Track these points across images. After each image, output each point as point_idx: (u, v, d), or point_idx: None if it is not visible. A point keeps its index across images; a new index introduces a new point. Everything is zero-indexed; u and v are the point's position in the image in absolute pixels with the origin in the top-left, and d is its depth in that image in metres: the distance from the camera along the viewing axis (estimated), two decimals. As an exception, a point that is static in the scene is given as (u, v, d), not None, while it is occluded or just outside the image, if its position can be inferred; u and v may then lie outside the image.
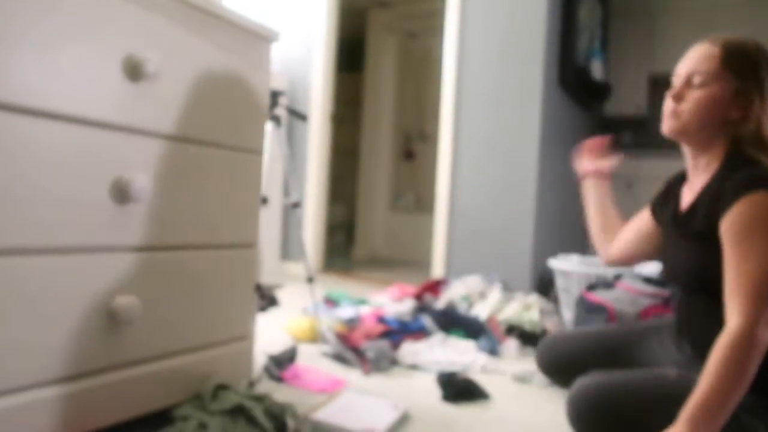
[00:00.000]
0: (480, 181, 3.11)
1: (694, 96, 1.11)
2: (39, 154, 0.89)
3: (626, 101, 4.43)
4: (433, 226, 3.30)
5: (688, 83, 1.13)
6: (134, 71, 1.01)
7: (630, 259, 1.45)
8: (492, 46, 3.09)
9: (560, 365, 1.50)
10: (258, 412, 1.10)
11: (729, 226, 1.02)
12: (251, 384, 1.45)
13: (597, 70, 3.74)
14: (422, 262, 4.21)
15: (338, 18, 3.83)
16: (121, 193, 1.00)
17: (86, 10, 0.94)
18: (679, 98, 1.13)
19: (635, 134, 4.67)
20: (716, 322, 1.02)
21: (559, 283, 2.45)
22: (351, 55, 5.30)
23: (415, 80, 5.20)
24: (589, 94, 3.76)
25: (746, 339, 0.94)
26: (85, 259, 0.97)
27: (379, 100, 5.04)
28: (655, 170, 3.77)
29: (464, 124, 3.17)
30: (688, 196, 1.24)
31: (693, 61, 1.13)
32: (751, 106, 1.08)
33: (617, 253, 1.45)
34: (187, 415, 1.08)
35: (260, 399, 1.16)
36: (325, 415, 1.28)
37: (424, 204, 5.03)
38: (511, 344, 2.05)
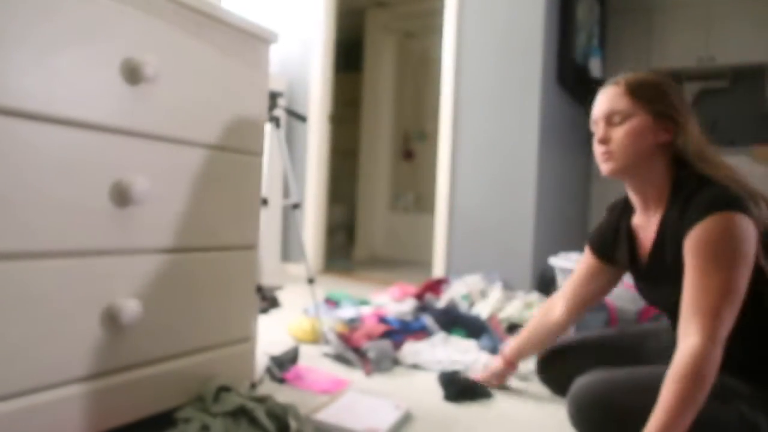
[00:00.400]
0: (480, 180, 3.11)
1: (618, 133, 1.14)
2: (38, 158, 0.89)
3: (625, 99, 4.42)
4: (433, 226, 3.30)
5: (609, 124, 1.17)
6: (133, 74, 1.01)
7: (582, 311, 1.47)
8: (490, 45, 3.09)
9: (561, 379, 1.48)
10: (260, 414, 1.10)
11: (691, 245, 1.04)
12: (253, 385, 1.45)
13: (595, 67, 3.74)
14: (423, 262, 4.21)
15: (336, 18, 3.83)
16: (122, 196, 1.00)
17: (84, 14, 0.94)
18: (606, 140, 1.17)
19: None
20: None
21: (560, 281, 2.45)
22: (350, 56, 5.31)
23: (414, 80, 5.20)
24: (588, 91, 3.75)
25: (706, 358, 0.96)
26: (86, 263, 0.97)
27: (378, 100, 5.04)
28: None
29: (463, 123, 3.17)
30: (647, 233, 1.23)
31: (606, 103, 1.18)
32: (674, 126, 1.13)
33: (571, 315, 1.45)
34: (190, 417, 1.09)
35: (262, 400, 1.16)
36: (326, 415, 1.29)
37: (424, 203, 5.03)
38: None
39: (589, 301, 1.45)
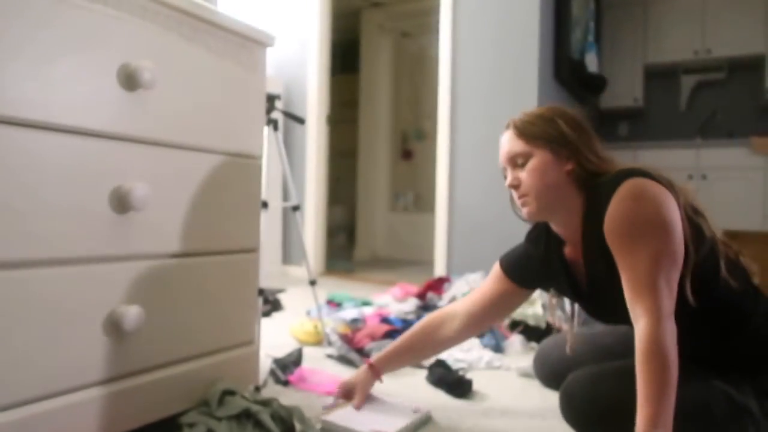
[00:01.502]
0: (479, 178, 3.11)
1: (526, 173, 1.14)
2: (38, 166, 0.89)
3: (622, 93, 4.44)
4: (433, 225, 3.30)
5: (514, 167, 1.17)
6: (130, 80, 1.01)
7: (484, 328, 1.45)
8: (486, 42, 3.09)
9: (555, 375, 1.49)
10: (265, 417, 1.10)
11: (608, 234, 1.02)
12: (257, 388, 1.45)
13: (592, 63, 3.74)
14: (424, 262, 4.21)
15: (332, 20, 3.83)
16: (121, 203, 1.00)
17: (80, 22, 0.94)
18: (517, 185, 1.16)
19: (631, 126, 4.68)
20: (687, 328, 1.02)
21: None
22: (346, 57, 5.31)
23: (411, 79, 5.20)
24: (585, 87, 3.76)
25: (658, 333, 0.94)
26: (87, 270, 0.97)
27: (376, 100, 5.04)
28: (652, 161, 3.77)
29: (461, 121, 3.17)
30: (578, 255, 1.20)
31: (506, 149, 1.18)
32: (570, 152, 1.12)
33: (469, 333, 1.40)
34: (194, 421, 1.09)
35: (267, 403, 1.16)
36: (335, 417, 1.28)
37: (423, 203, 5.03)
38: (516, 340, 2.05)
39: (494, 321, 1.44)
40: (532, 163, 1.13)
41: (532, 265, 1.33)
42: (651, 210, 0.98)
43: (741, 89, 4.24)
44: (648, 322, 0.95)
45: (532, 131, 1.14)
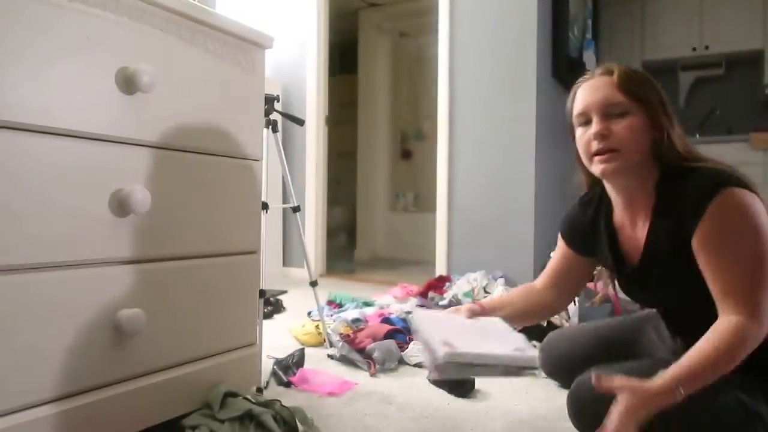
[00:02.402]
0: (478, 177, 3.11)
1: (621, 126, 1.06)
2: (38, 170, 0.89)
3: (621, 90, 4.43)
4: (433, 225, 3.30)
5: (604, 118, 1.08)
6: (128, 84, 1.01)
7: (569, 300, 1.43)
8: (484, 41, 3.09)
9: (560, 367, 1.49)
10: (267, 418, 1.10)
11: (707, 235, 0.99)
12: (260, 390, 1.45)
13: (590, 60, 3.75)
14: (424, 261, 4.21)
15: (330, 20, 3.83)
16: (121, 206, 1.00)
17: (78, 26, 0.94)
18: (606, 135, 1.06)
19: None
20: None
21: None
22: (344, 58, 5.31)
23: (409, 79, 5.20)
24: (584, 85, 3.76)
25: (746, 331, 0.94)
26: (88, 273, 0.97)
27: (374, 100, 5.04)
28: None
29: (460, 120, 3.17)
30: (634, 233, 1.17)
31: (602, 95, 1.08)
32: (665, 125, 1.07)
33: (559, 303, 1.38)
34: (197, 424, 1.09)
35: (269, 405, 1.16)
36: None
37: (423, 203, 5.03)
38: (518, 338, 2.05)
39: (572, 292, 1.40)
40: (630, 120, 1.05)
41: (583, 228, 1.29)
42: (752, 221, 0.97)
43: (739, 85, 4.23)
44: (741, 319, 0.94)
45: (637, 89, 1.07)
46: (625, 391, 0.93)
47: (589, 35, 3.81)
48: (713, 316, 1.00)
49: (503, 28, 3.02)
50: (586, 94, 1.12)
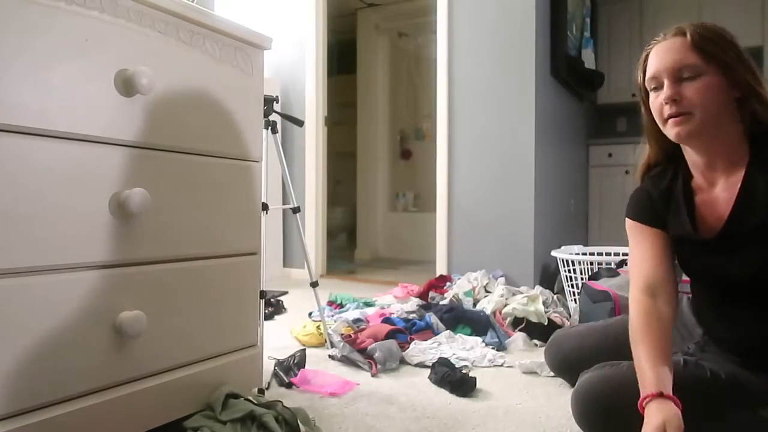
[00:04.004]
0: (478, 177, 3.11)
1: (693, 89, 1.02)
2: (37, 172, 0.89)
3: (620, 89, 4.44)
4: (434, 225, 3.30)
5: (677, 80, 1.04)
6: (127, 86, 1.01)
7: (676, 290, 1.22)
8: (483, 41, 3.09)
9: (568, 364, 1.49)
10: (269, 419, 1.10)
11: None
12: (261, 391, 1.45)
13: (589, 59, 3.75)
14: (425, 261, 4.21)
15: (328, 21, 3.83)
16: (122, 208, 1.00)
17: (76, 29, 0.94)
18: (678, 100, 1.04)
19: (630, 121, 4.67)
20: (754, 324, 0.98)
21: (563, 274, 2.45)
22: (343, 58, 5.31)
23: (409, 79, 5.20)
24: (582, 83, 3.77)
25: None
26: (88, 276, 0.97)
27: (374, 101, 5.04)
28: (653, 156, 3.78)
29: (459, 120, 3.17)
30: (719, 195, 1.09)
31: (672, 56, 1.05)
32: (745, 82, 1.03)
33: (674, 298, 1.17)
34: (199, 425, 1.09)
35: (271, 406, 1.16)
36: None
37: (423, 202, 5.03)
38: (518, 337, 2.05)
39: (674, 278, 1.19)
40: (704, 81, 1.02)
41: (654, 203, 1.19)
42: None
43: (739, 82, 4.23)
44: None
45: (712, 48, 1.03)
46: None
47: (587, 33, 3.81)
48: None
49: (502, 27, 3.02)
50: (657, 57, 1.08)
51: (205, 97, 1.18)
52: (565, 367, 1.51)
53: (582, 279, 2.34)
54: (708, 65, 1.02)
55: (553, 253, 2.51)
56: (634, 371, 1.05)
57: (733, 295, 1.10)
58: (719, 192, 1.09)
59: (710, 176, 1.10)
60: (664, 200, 1.18)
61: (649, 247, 1.18)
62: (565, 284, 2.45)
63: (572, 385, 1.53)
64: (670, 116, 1.04)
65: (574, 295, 2.38)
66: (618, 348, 1.29)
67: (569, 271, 2.39)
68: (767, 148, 1.02)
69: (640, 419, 0.96)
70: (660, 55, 1.07)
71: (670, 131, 1.06)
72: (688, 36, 1.04)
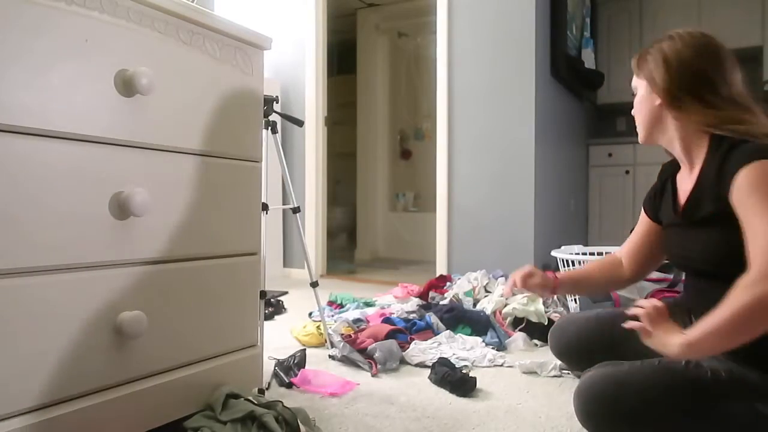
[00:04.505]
0: (478, 176, 3.11)
1: (635, 103, 1.26)
2: (37, 173, 0.89)
3: (619, 88, 4.43)
4: (434, 224, 3.30)
5: (634, 95, 1.27)
6: (127, 86, 1.01)
7: (647, 270, 1.48)
8: (483, 41, 3.09)
9: (571, 348, 1.50)
10: (269, 419, 1.10)
11: (737, 193, 1.03)
12: (261, 391, 1.45)
13: (588, 59, 3.75)
14: (425, 261, 4.22)
15: (328, 21, 3.83)
16: (122, 208, 1.00)
17: (76, 29, 0.94)
18: (633, 113, 1.28)
19: (630, 121, 4.67)
20: None
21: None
22: (343, 58, 5.31)
23: (409, 79, 5.20)
24: (582, 83, 3.77)
25: (760, 291, 0.92)
26: (89, 276, 0.97)
27: (374, 101, 5.04)
28: (652, 156, 3.77)
29: (459, 120, 3.17)
30: (685, 185, 1.24)
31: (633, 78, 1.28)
32: (665, 95, 1.17)
33: (635, 272, 1.46)
34: (199, 425, 1.09)
35: (271, 406, 1.16)
36: None
37: (423, 202, 5.03)
38: (519, 337, 2.05)
39: (653, 261, 1.45)
40: (638, 95, 1.25)
41: (655, 192, 1.39)
42: None
43: (738, 82, 4.23)
44: (755, 277, 0.94)
45: (639, 64, 1.24)
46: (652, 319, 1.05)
47: (587, 33, 3.81)
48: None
49: (502, 27, 3.02)
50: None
51: (205, 97, 1.18)
52: (566, 352, 1.52)
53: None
54: (640, 80, 1.24)
55: (553, 253, 2.51)
56: (635, 370, 1.09)
57: (700, 278, 1.22)
58: (688, 183, 1.23)
59: (687, 169, 1.25)
60: (661, 190, 1.36)
61: (639, 229, 1.44)
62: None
63: (574, 369, 1.53)
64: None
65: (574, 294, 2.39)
66: (625, 336, 1.28)
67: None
68: (725, 141, 1.11)
69: (641, 418, 0.99)
70: None
71: None
72: (634, 59, 1.27)
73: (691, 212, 1.19)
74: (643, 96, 1.22)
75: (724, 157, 1.08)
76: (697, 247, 1.17)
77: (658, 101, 1.20)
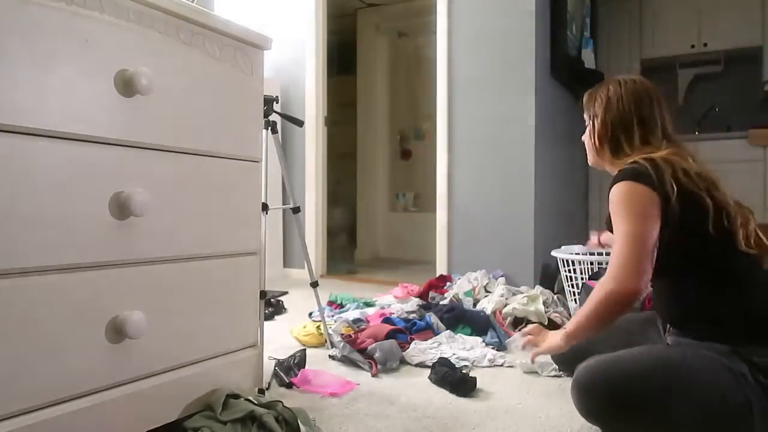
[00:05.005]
0: (478, 177, 3.11)
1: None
2: (37, 173, 0.89)
3: (619, 88, 4.43)
4: (434, 225, 3.30)
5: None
6: (127, 86, 1.01)
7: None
8: (483, 41, 3.09)
9: (572, 357, 1.50)
10: (270, 419, 1.10)
11: (610, 209, 1.28)
12: (261, 391, 1.45)
13: (588, 59, 3.74)
14: (425, 261, 4.21)
15: (328, 21, 3.83)
16: (122, 209, 1.00)
17: (76, 29, 0.94)
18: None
19: (630, 121, 4.66)
20: (669, 298, 1.28)
21: (563, 273, 2.45)
22: (343, 58, 5.31)
23: (408, 79, 5.20)
24: (582, 83, 3.76)
25: (609, 287, 1.18)
26: (89, 276, 0.97)
27: (373, 101, 5.04)
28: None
29: (459, 120, 3.17)
30: None
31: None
32: (591, 132, 1.43)
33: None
34: (199, 425, 1.09)
35: (271, 406, 1.16)
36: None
37: (423, 202, 5.03)
38: (518, 337, 2.05)
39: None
40: (588, 127, 1.47)
41: None
42: (628, 205, 1.23)
43: (738, 82, 4.23)
44: (605, 280, 1.21)
45: (585, 104, 1.48)
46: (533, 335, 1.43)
47: (587, 34, 3.81)
48: (672, 290, 1.26)
49: (502, 27, 3.02)
50: None
51: (204, 97, 1.18)
52: (571, 358, 1.52)
53: (582, 279, 2.34)
54: (588, 116, 1.47)
55: (553, 253, 2.51)
56: (623, 353, 1.21)
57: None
58: None
59: None
60: None
61: None
62: (565, 284, 2.45)
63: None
64: None
65: (574, 295, 2.38)
66: (628, 343, 1.32)
67: (569, 271, 2.39)
68: (618, 171, 1.32)
69: (635, 399, 1.08)
70: None
71: None
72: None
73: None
74: (590, 130, 1.45)
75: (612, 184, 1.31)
76: None
77: (592, 136, 1.44)
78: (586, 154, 1.50)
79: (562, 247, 2.59)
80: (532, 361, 1.48)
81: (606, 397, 1.13)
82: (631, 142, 1.35)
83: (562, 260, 2.43)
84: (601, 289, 1.20)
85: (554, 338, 1.33)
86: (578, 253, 2.44)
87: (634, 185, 1.23)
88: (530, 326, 1.48)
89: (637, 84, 1.39)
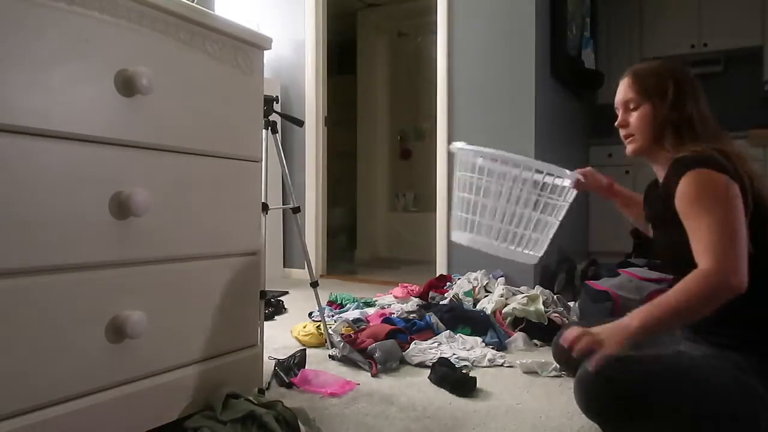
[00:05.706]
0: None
1: (635, 117, 1.32)
2: (38, 173, 0.89)
3: (620, 88, 4.43)
4: (434, 225, 3.30)
5: (626, 110, 1.34)
6: (127, 86, 1.01)
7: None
8: (483, 41, 3.09)
9: (575, 358, 1.49)
10: (270, 419, 1.10)
11: (680, 198, 1.17)
12: (261, 391, 1.45)
13: (589, 58, 3.74)
14: (425, 261, 4.21)
15: (328, 21, 3.83)
16: (122, 208, 1.00)
17: (76, 29, 0.94)
18: (624, 125, 1.34)
19: (630, 121, 4.66)
20: None
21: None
22: (343, 58, 5.31)
23: (408, 79, 5.20)
24: (582, 83, 3.76)
25: (714, 278, 1.06)
26: (89, 276, 0.97)
27: (374, 101, 5.04)
28: (653, 156, 3.78)
29: (459, 119, 3.17)
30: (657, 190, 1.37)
31: (622, 93, 1.35)
32: (665, 114, 1.28)
33: None
34: (199, 425, 1.09)
35: (271, 406, 1.16)
36: None
37: (424, 202, 5.03)
38: (518, 337, 2.05)
39: None
40: (639, 111, 1.31)
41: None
42: (713, 192, 1.14)
43: (738, 82, 4.23)
44: (716, 264, 1.07)
45: (643, 84, 1.31)
46: (583, 336, 1.11)
47: (587, 33, 3.81)
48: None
49: (501, 27, 3.02)
50: (617, 94, 1.38)
51: (205, 97, 1.18)
52: (567, 361, 1.51)
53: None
54: (642, 99, 1.30)
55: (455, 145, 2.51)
56: (636, 356, 1.15)
57: (671, 271, 1.32)
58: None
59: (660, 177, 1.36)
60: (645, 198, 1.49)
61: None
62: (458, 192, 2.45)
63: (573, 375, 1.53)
64: (623, 137, 1.37)
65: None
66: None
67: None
68: (667, 179, 1.24)
69: (643, 404, 1.04)
70: (617, 92, 1.37)
71: (627, 148, 1.37)
72: (630, 75, 1.34)
73: (656, 213, 1.34)
74: (649, 114, 1.30)
75: (672, 167, 1.22)
76: (662, 245, 1.32)
77: (662, 122, 1.28)
78: (618, 144, 1.40)
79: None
80: (592, 371, 1.09)
81: (610, 396, 1.10)
82: (697, 132, 1.26)
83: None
84: (700, 280, 1.06)
85: (617, 337, 1.08)
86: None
87: (716, 174, 1.14)
88: (569, 331, 1.13)
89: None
